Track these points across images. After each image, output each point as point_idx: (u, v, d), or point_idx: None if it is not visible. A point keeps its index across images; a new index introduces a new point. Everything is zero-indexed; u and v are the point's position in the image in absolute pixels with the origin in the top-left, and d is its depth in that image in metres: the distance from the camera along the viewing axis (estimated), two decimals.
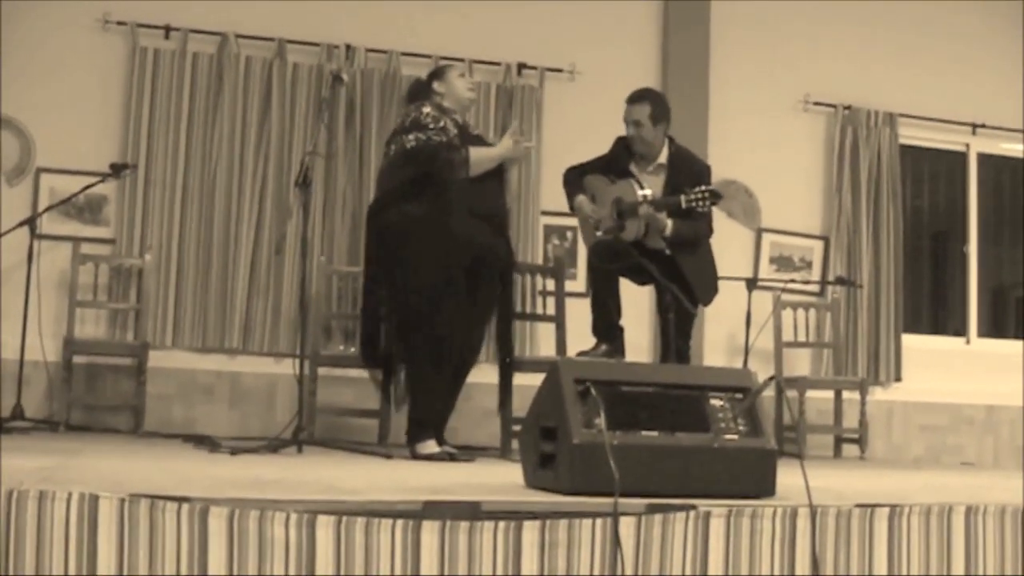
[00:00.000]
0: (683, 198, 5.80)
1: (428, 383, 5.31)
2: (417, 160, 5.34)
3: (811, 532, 2.95)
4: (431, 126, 5.39)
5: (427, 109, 5.46)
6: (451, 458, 5.16)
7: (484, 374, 5.96)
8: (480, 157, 5.43)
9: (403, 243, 5.32)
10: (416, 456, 5.17)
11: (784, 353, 8.05)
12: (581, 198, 6.21)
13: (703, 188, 5.81)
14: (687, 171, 6.04)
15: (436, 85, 5.64)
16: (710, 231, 6.20)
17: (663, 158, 6.14)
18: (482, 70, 7.82)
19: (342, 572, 2.58)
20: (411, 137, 5.37)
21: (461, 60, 7.50)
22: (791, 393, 7.68)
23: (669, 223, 5.92)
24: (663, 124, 6.13)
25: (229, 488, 2.87)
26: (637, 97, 6.16)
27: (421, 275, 5.26)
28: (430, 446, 5.20)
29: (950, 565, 3.10)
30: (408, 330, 5.35)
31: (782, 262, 8.54)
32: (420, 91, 5.72)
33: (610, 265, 6.08)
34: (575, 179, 6.30)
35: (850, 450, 7.89)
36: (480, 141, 5.73)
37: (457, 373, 5.50)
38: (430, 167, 5.33)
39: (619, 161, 6.21)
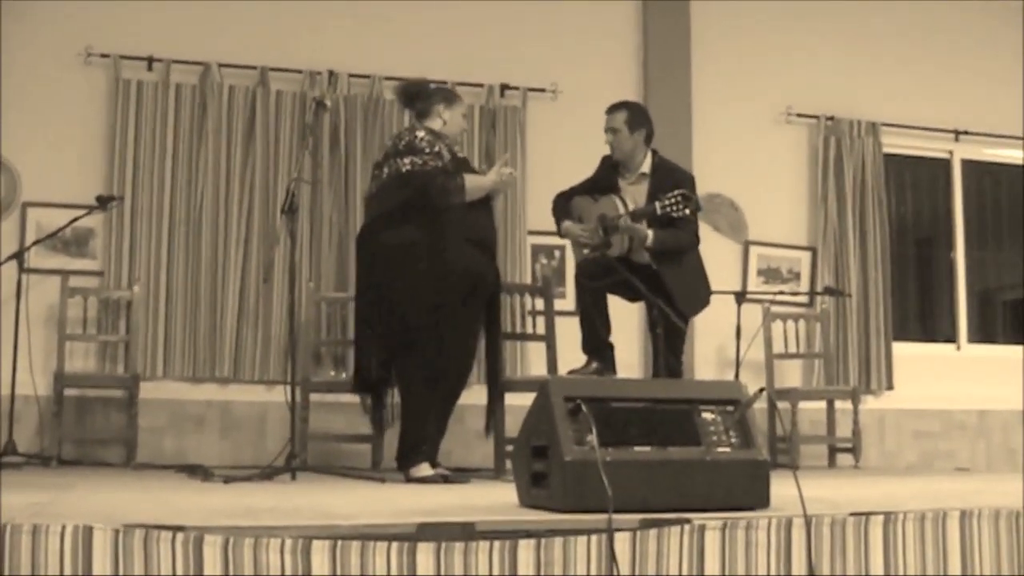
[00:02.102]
0: (657, 204, 5.80)
1: (422, 407, 5.30)
2: (413, 184, 5.33)
3: (806, 542, 2.95)
4: (426, 150, 5.38)
5: (421, 133, 5.46)
6: (445, 480, 5.16)
7: (477, 396, 5.95)
8: (473, 185, 5.44)
9: (399, 267, 5.31)
10: (410, 479, 5.17)
11: (775, 364, 8.06)
12: (567, 223, 6.24)
13: (676, 192, 5.80)
14: (669, 180, 6.03)
15: (442, 109, 5.62)
16: (696, 240, 6.19)
17: (646, 168, 6.17)
18: (465, 91, 7.75)
19: None
20: (406, 160, 5.36)
21: (444, 82, 7.52)
22: (783, 404, 7.68)
23: (650, 233, 5.92)
24: (641, 131, 6.15)
25: (223, 517, 2.86)
26: (615, 106, 6.23)
27: (417, 300, 5.26)
28: (424, 469, 5.19)
29: (946, 570, 3.10)
30: (403, 354, 5.34)
31: (770, 274, 8.56)
32: (420, 99, 5.67)
33: (597, 283, 6.09)
34: (562, 204, 6.32)
35: (844, 459, 7.89)
36: (466, 163, 5.74)
37: (448, 396, 5.50)
38: (426, 192, 5.32)
39: (604, 179, 6.24)
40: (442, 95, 5.73)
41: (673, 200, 5.76)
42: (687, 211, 5.80)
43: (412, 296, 5.27)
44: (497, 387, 5.85)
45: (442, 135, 5.54)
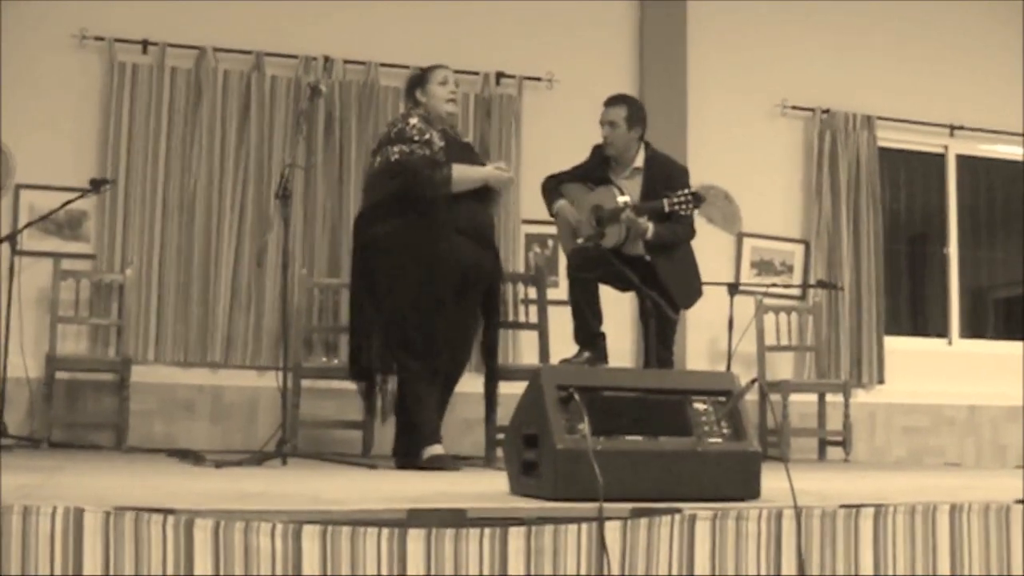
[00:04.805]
0: (666, 201, 5.78)
1: (421, 397, 5.27)
2: (399, 175, 5.32)
3: (796, 533, 2.95)
4: (415, 138, 5.35)
5: (413, 120, 5.43)
6: (452, 460, 5.17)
7: (467, 384, 5.94)
8: (462, 176, 5.38)
9: (389, 258, 5.30)
10: (423, 463, 5.11)
11: (767, 357, 8.07)
12: (562, 203, 6.20)
13: (686, 191, 5.79)
14: (663, 174, 6.03)
15: (418, 94, 5.60)
16: (692, 233, 6.18)
17: (639, 162, 6.15)
18: (460, 80, 7.76)
19: None
20: (395, 150, 5.34)
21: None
22: (774, 397, 7.69)
23: (650, 227, 5.90)
24: (637, 129, 6.13)
25: (214, 501, 2.86)
26: (614, 100, 6.19)
27: (408, 291, 5.24)
28: (436, 449, 5.17)
29: (935, 564, 3.10)
30: (397, 345, 5.33)
31: (763, 266, 8.56)
32: (412, 91, 5.66)
33: (589, 273, 6.08)
34: (554, 187, 6.30)
35: (834, 452, 7.91)
36: (469, 149, 5.72)
37: (445, 386, 5.49)
38: (410, 183, 5.29)
39: (597, 169, 6.22)
40: (416, 81, 5.70)
41: (682, 199, 5.75)
42: (694, 209, 5.83)
43: (403, 287, 5.25)
44: (494, 377, 5.85)
45: (434, 120, 5.52)
